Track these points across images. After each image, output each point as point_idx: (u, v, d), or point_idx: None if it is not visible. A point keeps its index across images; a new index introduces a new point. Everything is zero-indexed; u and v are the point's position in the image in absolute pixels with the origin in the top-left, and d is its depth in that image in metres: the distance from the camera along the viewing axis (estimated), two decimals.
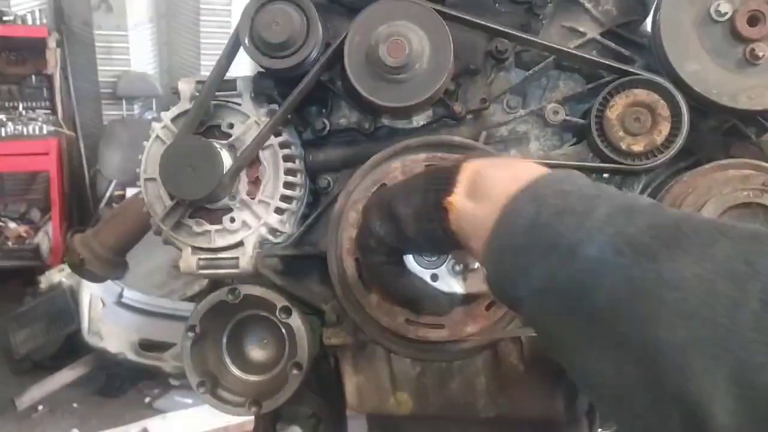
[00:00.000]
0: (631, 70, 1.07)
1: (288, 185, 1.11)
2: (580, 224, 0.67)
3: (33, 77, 5.61)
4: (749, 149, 1.10)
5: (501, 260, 0.73)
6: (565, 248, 0.66)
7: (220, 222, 1.10)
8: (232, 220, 1.10)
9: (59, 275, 4.55)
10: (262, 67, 1.09)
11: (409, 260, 0.93)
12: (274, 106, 1.14)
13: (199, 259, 1.11)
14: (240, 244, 1.11)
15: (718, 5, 1.04)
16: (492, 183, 0.78)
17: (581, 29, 1.13)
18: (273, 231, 1.11)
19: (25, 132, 5.36)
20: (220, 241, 1.11)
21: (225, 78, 1.12)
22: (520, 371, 1.11)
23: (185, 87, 1.14)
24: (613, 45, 1.13)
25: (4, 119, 5.39)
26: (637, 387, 0.60)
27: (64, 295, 4.40)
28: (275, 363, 1.15)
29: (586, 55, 1.10)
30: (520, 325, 1.03)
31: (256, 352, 1.18)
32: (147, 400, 4.25)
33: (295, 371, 1.10)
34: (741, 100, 1.03)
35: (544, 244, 0.68)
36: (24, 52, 5.52)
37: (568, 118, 1.11)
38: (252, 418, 1.42)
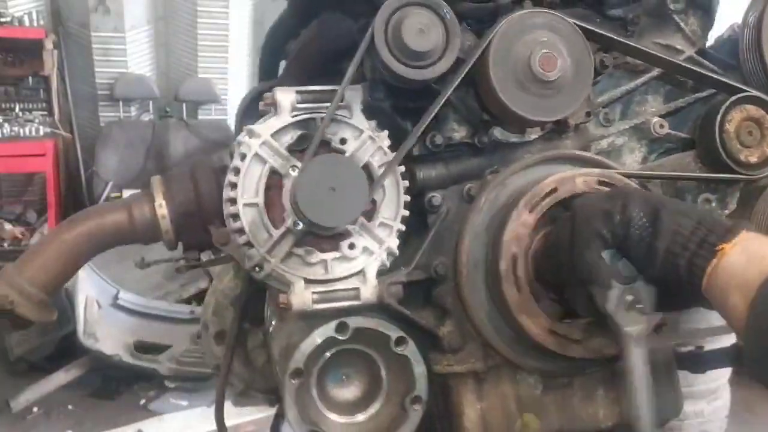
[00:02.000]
0: (745, 87, 1.13)
1: (405, 205, 1.02)
2: None
3: (30, 79, 5.60)
4: None
5: (765, 334, 0.73)
6: None
7: (332, 249, 1.00)
8: (352, 246, 1.00)
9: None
10: (396, 77, 1.00)
11: (608, 255, 0.91)
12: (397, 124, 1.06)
13: (314, 292, 0.98)
14: (360, 272, 1.00)
15: None
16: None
17: (678, 46, 1.19)
18: (390, 256, 1.03)
19: (21, 133, 5.34)
20: (338, 271, 0.99)
21: (325, 88, 1.02)
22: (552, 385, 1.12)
23: (284, 97, 1.01)
24: (707, 63, 1.18)
25: (1, 120, 5.37)
26: None
27: (59, 296, 4.39)
28: (365, 400, 1.05)
29: (710, 73, 1.15)
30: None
31: (341, 391, 1.05)
32: (142, 402, 4.23)
33: (416, 406, 1.02)
34: None
35: None
36: (21, 54, 5.51)
37: (672, 132, 1.16)
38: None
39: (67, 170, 5.80)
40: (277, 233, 0.98)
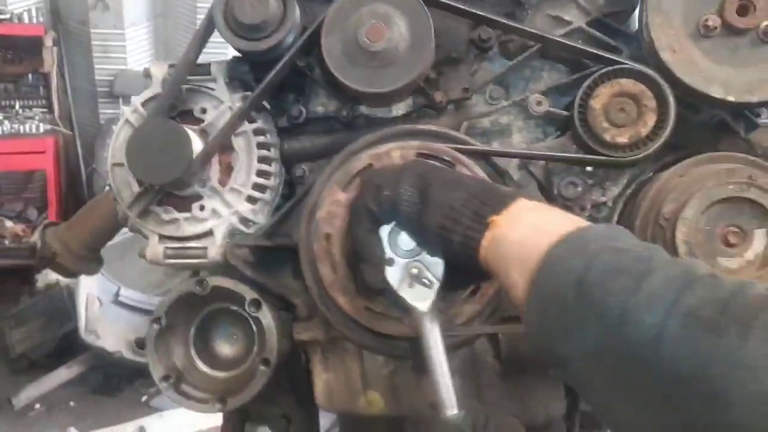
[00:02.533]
0: (616, 59, 1.04)
1: (261, 173, 1.07)
2: (636, 288, 0.63)
3: (29, 76, 5.60)
4: (738, 145, 1.07)
5: (545, 313, 0.69)
6: (618, 312, 0.63)
7: (189, 210, 1.07)
8: (202, 207, 1.07)
9: (56, 274, 4.55)
10: (236, 49, 1.07)
11: (385, 231, 0.87)
12: (249, 93, 1.10)
13: (167, 248, 1.07)
14: (209, 233, 1.07)
15: (706, 20, 1.01)
16: (547, 219, 0.76)
17: (567, 18, 1.11)
18: (244, 221, 1.08)
19: (21, 130, 5.35)
20: (189, 230, 1.07)
21: (199, 63, 1.09)
22: (496, 371, 1.07)
23: (157, 70, 1.11)
24: (598, 34, 1.10)
25: (1, 118, 5.37)
26: None
27: (60, 293, 4.40)
28: (244, 359, 1.11)
29: (572, 43, 1.07)
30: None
31: (225, 348, 1.13)
32: (144, 398, 4.24)
33: (262, 367, 1.06)
34: (733, 93, 1.00)
35: (596, 305, 0.65)
36: (20, 51, 5.51)
37: (551, 109, 1.07)
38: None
39: (67, 167, 5.80)
40: (136, 191, 1.07)
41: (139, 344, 4.07)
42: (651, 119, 1.02)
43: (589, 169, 1.08)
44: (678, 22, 1.02)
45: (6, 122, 5.38)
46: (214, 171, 1.08)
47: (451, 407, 0.83)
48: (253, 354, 1.10)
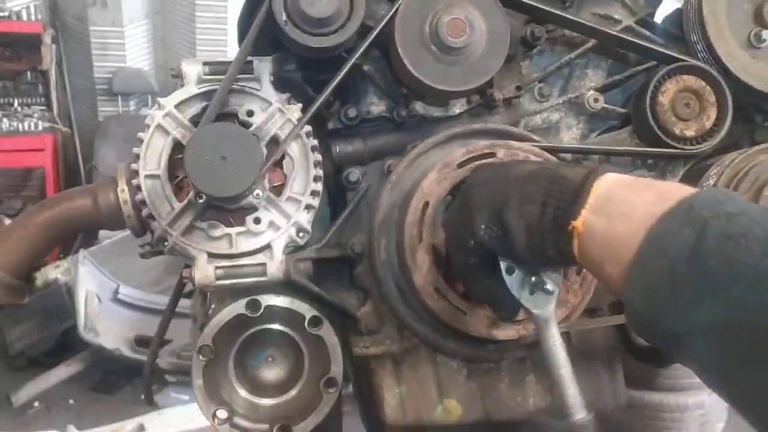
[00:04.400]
0: (681, 56, 1.08)
1: (317, 179, 0.98)
2: (766, 250, 0.58)
3: (28, 73, 5.60)
4: None
5: (653, 292, 0.64)
6: (750, 280, 0.58)
7: (239, 223, 0.96)
8: (258, 220, 0.96)
9: (55, 272, 4.54)
10: (297, 45, 0.96)
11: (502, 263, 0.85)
12: (288, 94, 1.01)
13: (217, 267, 0.95)
14: (266, 247, 0.96)
15: (760, 32, 1.08)
16: (631, 202, 0.70)
17: (616, 16, 1.13)
18: (300, 231, 0.98)
19: (20, 128, 5.34)
20: (244, 245, 0.96)
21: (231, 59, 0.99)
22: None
23: (190, 69, 0.99)
24: (647, 32, 1.13)
25: (0, 115, 5.38)
26: None
27: (59, 291, 4.39)
28: (291, 382, 1.01)
29: (640, 41, 1.09)
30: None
31: (265, 372, 1.02)
32: (143, 396, 4.25)
33: (330, 389, 0.97)
34: None
35: (719, 274, 0.59)
36: (19, 48, 5.50)
37: (606, 105, 1.11)
38: None
39: (66, 165, 5.79)
40: (178, 206, 0.95)
41: (139, 342, 4.02)
42: (713, 113, 1.08)
43: (650, 162, 1.12)
44: (728, 33, 1.10)
45: (5, 120, 5.38)
46: (265, 180, 0.98)
47: (578, 411, 0.82)
48: (304, 376, 1.00)
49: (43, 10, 5.59)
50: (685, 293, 0.61)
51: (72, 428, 3.57)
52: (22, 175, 5.67)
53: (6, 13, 5.30)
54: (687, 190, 0.68)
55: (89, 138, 5.94)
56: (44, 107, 5.62)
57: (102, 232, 5.04)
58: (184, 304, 4.60)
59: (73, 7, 5.77)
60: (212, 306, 1.05)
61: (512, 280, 0.85)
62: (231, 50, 6.14)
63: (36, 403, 4.11)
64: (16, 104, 5.54)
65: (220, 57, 6.53)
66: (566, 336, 1.05)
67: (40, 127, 5.38)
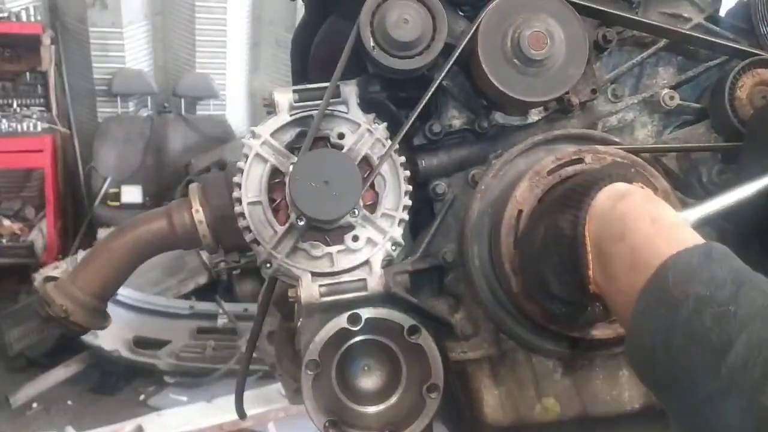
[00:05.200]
0: (755, 50, 1.09)
1: (407, 194, 1.02)
2: (717, 369, 0.61)
3: (27, 74, 5.59)
4: None
5: (647, 363, 0.68)
6: (704, 394, 0.61)
7: (336, 242, 1.02)
8: (356, 238, 1.01)
9: (54, 273, 4.55)
10: (385, 69, 1.00)
11: None
12: (373, 114, 1.06)
13: (321, 285, 1.01)
14: (365, 263, 1.02)
15: None
16: (614, 268, 0.75)
17: (685, 15, 1.14)
18: (395, 246, 1.03)
19: (19, 129, 5.34)
20: (344, 263, 1.01)
21: (321, 85, 1.03)
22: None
23: (282, 98, 1.04)
24: (717, 29, 1.14)
25: None
26: None
27: None
28: (390, 390, 1.05)
29: (712, 38, 1.10)
30: None
31: (363, 381, 1.06)
32: (141, 397, 4.24)
33: (432, 394, 1.01)
34: None
35: (684, 374, 0.64)
36: (18, 49, 5.50)
37: (682, 102, 1.12)
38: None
39: (65, 166, 5.80)
40: (281, 229, 1.00)
41: (137, 343, 4.01)
42: None
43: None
44: None
45: (4, 121, 5.38)
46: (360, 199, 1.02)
47: None
48: (402, 383, 1.04)
49: (42, 11, 5.59)
50: (665, 378, 0.66)
51: (71, 429, 3.57)
52: (21, 176, 5.67)
53: (5, 14, 5.30)
54: (657, 248, 0.70)
55: (88, 139, 5.94)
56: (43, 108, 5.62)
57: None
58: (180, 305, 4.58)
59: (73, 8, 5.77)
60: (300, 320, 1.09)
61: None
62: (230, 52, 6.15)
63: (35, 404, 4.12)
64: (15, 105, 5.54)
65: (219, 59, 6.51)
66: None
67: (39, 128, 5.39)
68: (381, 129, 1.04)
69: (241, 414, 1.36)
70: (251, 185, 1.02)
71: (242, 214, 1.01)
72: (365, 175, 1.01)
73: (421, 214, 1.12)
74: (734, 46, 1.10)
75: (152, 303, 4.54)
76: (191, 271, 4.80)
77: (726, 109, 1.07)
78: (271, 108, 1.05)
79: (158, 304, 4.56)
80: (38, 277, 4.56)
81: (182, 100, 6.11)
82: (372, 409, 1.05)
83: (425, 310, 1.05)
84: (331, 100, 1.03)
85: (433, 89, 1.02)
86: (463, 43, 1.01)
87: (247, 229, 1.01)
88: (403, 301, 1.03)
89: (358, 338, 1.03)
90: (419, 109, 1.02)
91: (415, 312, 1.04)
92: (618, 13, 1.08)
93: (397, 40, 0.98)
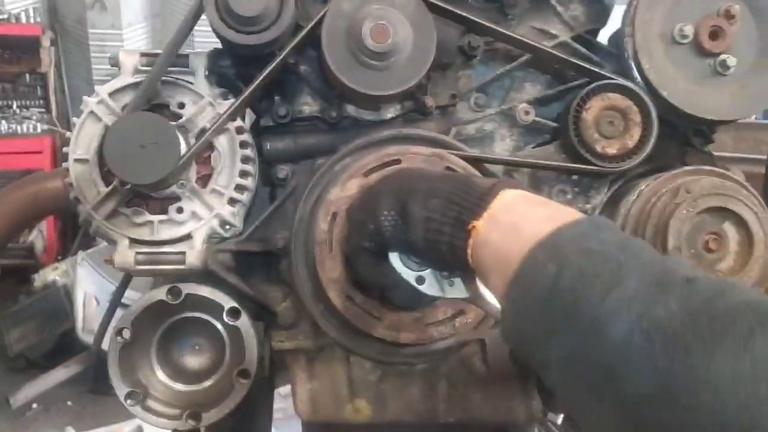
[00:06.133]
0: (607, 74, 1.08)
1: (243, 174, 1.01)
2: (606, 296, 0.61)
3: (27, 76, 5.60)
4: (702, 158, 1.15)
5: (522, 316, 0.68)
6: (589, 322, 0.61)
7: (162, 212, 1.00)
8: (180, 210, 1.00)
9: (53, 274, 4.56)
10: (227, 42, 0.99)
11: (395, 258, 0.86)
12: (225, 89, 1.05)
13: (138, 253, 0.99)
14: (187, 237, 1.00)
15: (682, 28, 1.07)
16: (524, 216, 0.73)
17: (553, 31, 1.14)
18: (224, 224, 1.02)
19: (19, 130, 5.35)
20: (165, 233, 0.99)
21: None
22: (482, 374, 1.08)
23: (127, 59, 1.02)
24: (582, 49, 1.14)
25: None
26: None
27: (58, 293, 4.40)
28: (212, 371, 1.04)
29: (569, 58, 1.10)
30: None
31: (189, 359, 1.06)
32: None
33: (242, 380, 1.00)
34: (703, 109, 1.08)
35: (567, 312, 0.63)
36: (18, 51, 5.51)
37: (537, 119, 1.11)
38: None
39: None
40: (104, 190, 0.99)
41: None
42: (637, 132, 1.07)
43: (574, 177, 1.12)
44: (657, 42, 1.09)
45: (3, 122, 5.39)
46: (192, 171, 1.01)
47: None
48: (224, 366, 1.04)
49: (42, 13, 5.60)
50: (543, 325, 0.65)
51: (70, 430, 3.59)
52: (20, 178, 5.68)
53: (5, 16, 5.31)
54: (572, 217, 0.70)
55: None
56: (43, 109, 5.63)
57: None
58: None
59: (72, 10, 5.79)
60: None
61: (429, 287, 0.86)
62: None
63: (34, 405, 4.12)
64: (14, 106, 5.55)
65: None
66: (482, 347, 1.08)
67: (38, 130, 5.40)
68: (226, 104, 1.02)
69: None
70: (81, 142, 1.00)
71: (67, 170, 1.00)
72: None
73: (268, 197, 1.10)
74: (589, 67, 1.09)
75: None
76: None
77: (569, 130, 1.07)
78: (117, 67, 1.03)
79: None
80: (38, 278, 4.59)
81: None
82: (185, 388, 1.04)
83: (246, 291, 1.04)
84: (178, 69, 1.02)
85: (272, 66, 1.00)
86: (310, 26, 1.00)
87: (71, 185, 1.00)
88: (223, 281, 1.02)
89: (185, 315, 1.02)
90: (255, 85, 1.00)
91: (245, 298, 1.03)
92: (476, 20, 1.06)
93: (237, 14, 0.96)
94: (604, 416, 0.61)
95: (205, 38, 1.10)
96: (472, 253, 0.76)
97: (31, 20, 5.42)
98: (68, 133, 5.08)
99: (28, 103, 5.65)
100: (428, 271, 0.86)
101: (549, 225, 0.69)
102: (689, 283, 0.61)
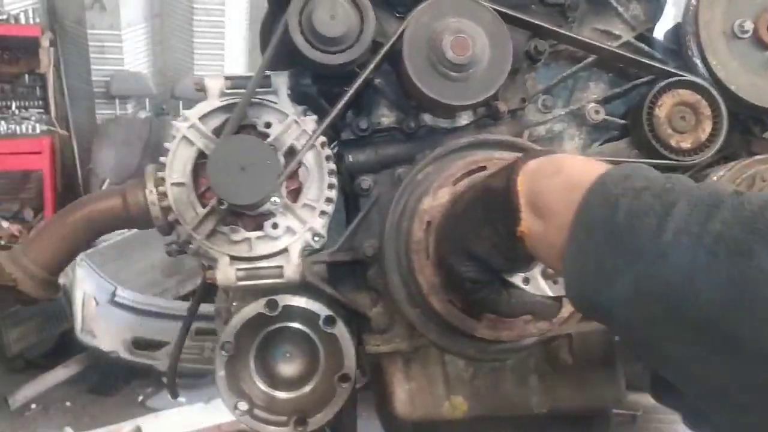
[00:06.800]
0: (678, 72, 1.12)
1: (330, 187, 1.05)
2: (663, 226, 0.62)
3: (26, 76, 5.60)
4: (765, 145, 1.19)
5: (582, 270, 0.69)
6: (651, 254, 0.62)
7: (257, 228, 1.04)
8: (275, 225, 1.04)
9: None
10: (311, 63, 1.03)
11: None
12: (306, 107, 1.09)
13: (238, 269, 1.03)
14: (284, 251, 1.04)
15: (742, 23, 1.12)
16: (551, 198, 0.75)
17: (616, 32, 1.17)
18: (315, 236, 1.06)
19: (18, 131, 5.35)
20: (262, 249, 1.03)
21: (251, 74, 1.06)
22: (569, 364, 1.11)
23: (213, 84, 1.06)
24: (646, 48, 1.17)
25: None
26: (752, 386, 0.57)
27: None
28: (307, 378, 1.08)
29: (637, 57, 1.13)
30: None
31: (282, 367, 1.10)
32: (140, 398, 4.25)
33: (343, 384, 1.05)
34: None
35: (628, 250, 0.64)
36: (17, 51, 5.51)
37: (607, 117, 1.16)
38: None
39: (63, 168, 5.80)
40: (202, 211, 1.02)
41: (136, 344, 4.03)
42: (708, 126, 1.13)
43: None
44: (720, 37, 1.15)
45: (2, 123, 5.39)
46: (283, 187, 1.05)
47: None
48: (319, 371, 1.08)
49: (41, 14, 5.60)
50: (605, 268, 0.66)
51: (69, 430, 3.58)
52: (19, 178, 5.68)
53: (4, 17, 5.31)
54: (591, 171, 0.72)
55: (87, 141, 5.95)
56: (42, 110, 5.63)
57: None
58: (179, 306, 4.60)
59: (72, 11, 5.79)
60: (234, 303, 1.12)
61: (533, 286, 0.91)
62: (228, 54, 6.16)
63: (33, 405, 4.12)
64: (13, 107, 5.55)
65: (217, 61, 6.56)
66: (569, 339, 1.10)
67: (37, 130, 5.40)
68: (309, 121, 1.06)
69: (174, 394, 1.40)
70: (176, 166, 1.04)
71: (165, 194, 1.04)
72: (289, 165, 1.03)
73: (352, 209, 1.14)
74: (657, 65, 1.14)
75: (151, 304, 4.55)
76: (190, 273, 4.81)
77: (644, 127, 1.11)
78: (202, 93, 1.07)
79: (157, 306, 4.56)
80: None
81: (180, 103, 6.11)
82: (286, 395, 1.08)
83: (341, 300, 1.08)
84: (262, 90, 1.05)
85: (357, 85, 1.04)
86: (390, 43, 1.04)
87: (170, 208, 1.04)
88: (320, 291, 1.06)
89: (278, 325, 1.06)
90: (342, 103, 1.04)
91: (337, 305, 1.07)
92: (544, 25, 1.10)
93: (322, 35, 1.00)
94: (676, 337, 0.61)
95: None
96: (533, 251, 0.79)
97: (30, 21, 5.42)
98: (64, 132, 5.04)
99: (27, 103, 5.65)
100: (534, 271, 0.91)
101: (573, 192, 0.71)
102: (738, 195, 0.63)
